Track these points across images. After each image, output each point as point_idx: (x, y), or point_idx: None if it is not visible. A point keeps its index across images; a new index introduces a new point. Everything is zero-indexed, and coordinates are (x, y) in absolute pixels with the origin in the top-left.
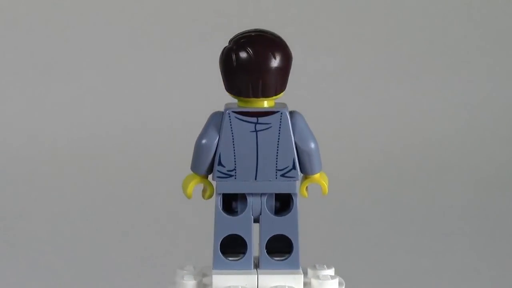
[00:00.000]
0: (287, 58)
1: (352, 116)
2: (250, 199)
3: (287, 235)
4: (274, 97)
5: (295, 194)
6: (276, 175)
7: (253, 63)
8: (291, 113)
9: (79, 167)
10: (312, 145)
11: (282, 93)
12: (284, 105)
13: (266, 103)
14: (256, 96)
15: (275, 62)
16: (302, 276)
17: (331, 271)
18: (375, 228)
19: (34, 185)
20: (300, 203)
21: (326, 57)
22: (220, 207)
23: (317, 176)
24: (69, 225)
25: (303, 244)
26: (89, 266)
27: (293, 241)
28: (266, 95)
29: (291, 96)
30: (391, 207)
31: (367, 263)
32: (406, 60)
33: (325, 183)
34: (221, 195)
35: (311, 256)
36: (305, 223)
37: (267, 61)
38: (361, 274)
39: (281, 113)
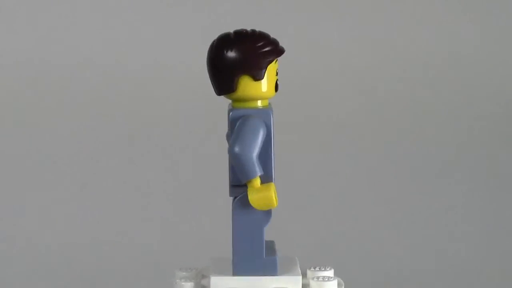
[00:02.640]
0: (224, 58)
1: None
2: None
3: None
4: (227, 95)
5: (233, 198)
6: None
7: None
8: (245, 115)
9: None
10: (234, 150)
11: (232, 94)
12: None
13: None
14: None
15: (212, 62)
16: (212, 280)
17: (330, 272)
18: (375, 228)
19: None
20: (300, 201)
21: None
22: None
23: (249, 184)
24: (67, 225)
25: (301, 244)
26: (88, 265)
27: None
28: (218, 93)
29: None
30: (391, 207)
31: (367, 263)
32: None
33: (251, 195)
34: None
35: (310, 256)
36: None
37: (209, 59)
38: (361, 274)
39: (228, 113)
